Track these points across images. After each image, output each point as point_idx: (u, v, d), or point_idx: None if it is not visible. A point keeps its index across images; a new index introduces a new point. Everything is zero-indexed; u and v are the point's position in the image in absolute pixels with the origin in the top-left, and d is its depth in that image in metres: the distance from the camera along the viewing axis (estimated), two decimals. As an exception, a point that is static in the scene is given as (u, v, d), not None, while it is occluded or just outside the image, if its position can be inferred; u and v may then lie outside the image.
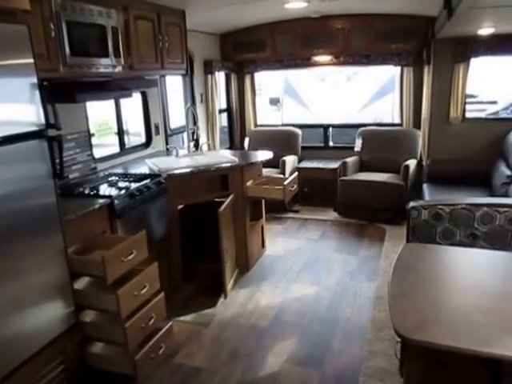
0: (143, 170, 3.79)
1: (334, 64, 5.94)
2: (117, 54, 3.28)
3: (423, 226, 2.93)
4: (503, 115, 8.35)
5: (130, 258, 2.67)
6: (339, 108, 8.72)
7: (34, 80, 2.25)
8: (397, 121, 8.04)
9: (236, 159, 4.01)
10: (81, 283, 2.72)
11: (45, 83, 2.28)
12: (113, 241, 2.81)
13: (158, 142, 4.70)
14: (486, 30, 4.20)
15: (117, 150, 4.26)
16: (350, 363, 2.94)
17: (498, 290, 1.98)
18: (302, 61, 5.95)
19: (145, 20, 3.63)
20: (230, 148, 6.29)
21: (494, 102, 8.06)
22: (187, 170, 3.71)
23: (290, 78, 9.20)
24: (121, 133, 4.28)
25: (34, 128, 2.28)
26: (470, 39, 4.68)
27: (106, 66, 3.19)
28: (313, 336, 3.26)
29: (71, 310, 2.58)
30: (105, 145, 4.46)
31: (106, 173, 3.65)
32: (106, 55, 3.18)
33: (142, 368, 2.67)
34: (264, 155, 4.23)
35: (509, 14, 3.23)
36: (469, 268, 2.25)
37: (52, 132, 2.38)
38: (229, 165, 3.87)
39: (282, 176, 4.40)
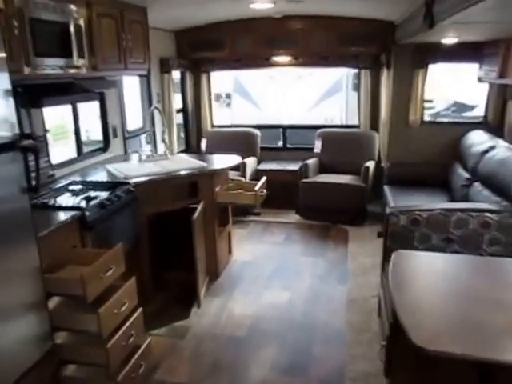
0: (103, 176, 3.60)
1: (293, 65, 5.93)
2: (81, 54, 3.08)
3: (401, 231, 3.00)
4: (442, 113, 8.81)
5: (108, 274, 2.51)
6: (289, 107, 8.77)
7: (7, 85, 2.04)
8: (348, 121, 8.29)
9: (204, 164, 3.90)
10: (51, 304, 2.52)
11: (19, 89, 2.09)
12: (86, 255, 2.64)
13: (116, 145, 4.47)
14: (450, 40, 4.35)
15: (74, 154, 4.01)
16: (333, 368, 2.95)
17: (494, 297, 2.04)
18: (262, 61, 5.90)
19: (108, 18, 3.46)
20: (186, 150, 6.12)
21: (430, 101, 8.43)
22: (156, 176, 3.56)
23: (240, 77, 9.12)
24: (78, 137, 4.03)
25: (7, 140, 2.07)
26: (428, 46, 4.82)
27: (70, 66, 2.98)
28: (292, 343, 3.23)
29: (47, 333, 2.39)
30: (61, 150, 4.19)
31: (67, 181, 3.41)
32: (70, 55, 2.98)
33: (125, 389, 2.52)
34: (233, 160, 4.13)
35: (482, 28, 3.40)
36: (467, 275, 2.33)
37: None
38: (199, 171, 3.76)
39: (252, 181, 4.33)
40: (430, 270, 2.45)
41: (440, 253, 2.84)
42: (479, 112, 7.60)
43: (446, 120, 7.90)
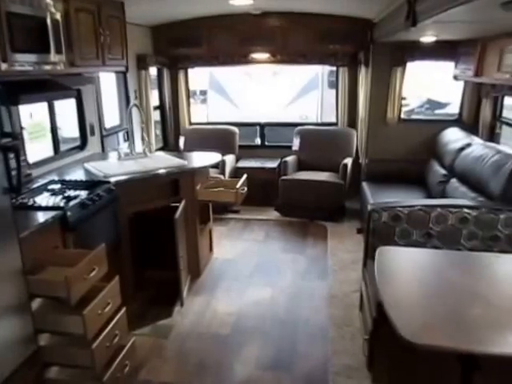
0: (82, 175, 3.54)
1: (271, 62, 5.93)
2: (59, 50, 2.98)
3: (383, 228, 3.06)
4: (416, 110, 8.98)
5: (92, 275, 2.48)
6: (265, 104, 8.77)
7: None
8: (324, 119, 8.36)
9: (184, 162, 3.87)
10: (33, 306, 2.47)
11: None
12: (68, 256, 2.60)
13: (94, 143, 4.39)
14: (429, 38, 4.41)
15: (51, 153, 3.92)
16: (317, 363, 2.99)
17: (478, 290, 2.12)
18: (240, 58, 5.87)
19: (85, 12, 3.38)
20: (164, 148, 6.06)
21: (404, 98, 8.58)
22: (136, 175, 3.52)
23: (216, 73, 9.06)
24: (55, 135, 3.94)
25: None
26: (406, 44, 4.88)
27: (48, 62, 2.89)
28: (276, 340, 3.26)
29: (31, 335, 2.35)
30: (37, 148, 4.10)
31: (46, 180, 3.34)
32: (48, 51, 2.88)
33: (110, 390, 2.50)
34: (213, 158, 4.12)
35: (461, 27, 3.47)
36: (449, 270, 2.38)
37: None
38: (180, 169, 3.73)
39: (232, 179, 4.34)
40: (412, 265, 2.51)
41: (421, 248, 2.90)
42: (452, 109, 7.78)
43: (419, 117, 8.04)
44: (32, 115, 4.33)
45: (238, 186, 3.89)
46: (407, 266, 2.50)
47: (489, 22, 3.05)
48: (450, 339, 1.76)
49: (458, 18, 2.69)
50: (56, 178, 3.39)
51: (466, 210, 2.97)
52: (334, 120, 6.34)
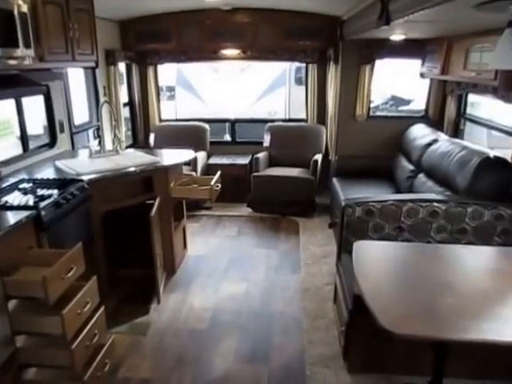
0: (52, 173, 3.48)
1: (241, 58, 5.96)
2: (27, 44, 2.91)
3: (357, 222, 3.15)
4: (381, 107, 9.18)
5: (69, 274, 2.47)
6: (234, 100, 8.79)
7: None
8: (291, 115, 8.45)
9: (157, 159, 3.87)
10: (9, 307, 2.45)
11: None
12: (43, 256, 2.57)
13: (63, 141, 4.32)
14: (399, 36, 4.50)
15: (19, 151, 3.84)
16: (294, 354, 3.07)
17: (450, 281, 2.22)
18: (209, 54, 5.87)
19: (53, 5, 3.28)
20: (134, 145, 6.01)
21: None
22: (109, 173, 3.49)
23: (183, 69, 9.01)
24: (23, 132, 3.86)
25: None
26: (375, 42, 4.98)
27: (15, 57, 2.82)
28: (252, 333, 3.33)
29: (8, 337, 2.32)
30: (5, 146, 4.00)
31: (16, 179, 3.27)
32: (17, 45, 2.81)
33: (90, 389, 2.50)
34: (186, 155, 4.13)
35: (431, 27, 3.59)
36: (422, 262, 2.48)
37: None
38: (153, 166, 3.73)
39: (205, 176, 4.36)
40: (388, 258, 2.60)
41: (392, 241, 3.01)
42: (415, 106, 7.99)
43: (386, 114, 8.23)
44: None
45: (212, 183, 3.92)
46: (383, 259, 2.59)
47: (459, 22, 3.15)
48: (426, 328, 1.84)
49: (431, 17, 2.77)
50: (26, 177, 3.33)
51: (435, 204, 3.08)
52: (301, 116, 6.44)
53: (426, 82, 5.35)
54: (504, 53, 2.16)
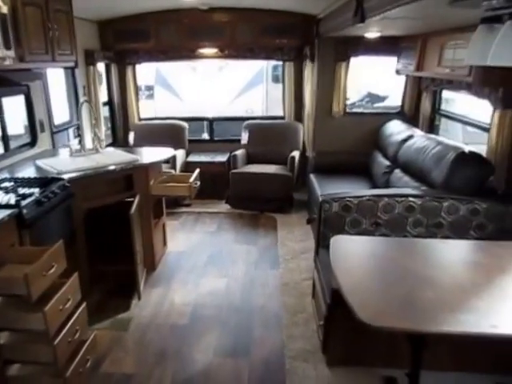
0: (33, 172, 3.50)
1: (219, 57, 6.02)
2: (7, 45, 2.93)
3: (334, 218, 3.21)
4: (357, 104, 9.34)
5: (51, 271, 2.49)
6: (212, 98, 8.84)
7: None
8: (269, 112, 8.55)
9: (137, 157, 3.90)
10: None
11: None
12: (25, 254, 2.59)
13: (44, 140, 4.32)
14: (374, 34, 4.60)
15: (0, 151, 3.84)
16: (274, 349, 3.13)
17: (428, 275, 2.28)
18: (188, 53, 5.91)
19: (33, 6, 3.30)
20: (113, 144, 6.00)
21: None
22: (90, 171, 3.52)
23: (162, 68, 9.03)
24: (4, 132, 3.85)
25: None
26: (351, 40, 5.07)
27: (-3, 58, 2.85)
28: (233, 327, 3.38)
29: (-9, 334, 2.34)
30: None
31: (-3, 179, 3.27)
32: (-4, 46, 2.84)
33: (73, 385, 2.53)
34: (166, 153, 4.18)
35: (406, 24, 3.65)
36: (399, 256, 2.53)
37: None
38: (133, 165, 3.76)
39: (184, 173, 4.41)
40: (366, 253, 2.65)
41: (370, 236, 3.07)
42: (390, 102, 8.14)
43: (362, 110, 8.36)
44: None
45: (191, 180, 3.96)
46: (360, 253, 2.64)
47: (434, 19, 3.22)
48: (405, 321, 1.89)
49: (407, 14, 2.82)
50: (7, 176, 3.33)
51: (411, 199, 3.14)
52: (278, 113, 6.52)
53: (402, 79, 5.45)
54: (478, 49, 2.19)
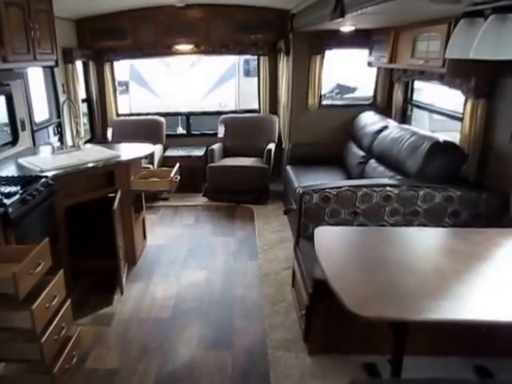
0: (14, 170, 3.48)
1: (195, 53, 6.06)
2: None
3: (314, 209, 3.29)
4: (327, 95, 9.44)
5: (38, 269, 2.51)
6: (185, 94, 8.88)
7: None
8: (241, 106, 8.63)
9: (118, 154, 3.92)
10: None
11: None
12: (10, 252, 2.58)
13: (25, 138, 4.31)
14: (348, 28, 4.63)
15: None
16: (256, 339, 3.20)
17: (409, 263, 2.37)
18: (164, 49, 5.95)
19: (15, 6, 3.31)
20: (92, 140, 5.96)
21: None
22: (72, 168, 3.53)
23: (136, 64, 9.01)
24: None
25: None
26: (324, 33, 5.14)
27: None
28: (215, 319, 3.45)
29: (-23, 335, 2.34)
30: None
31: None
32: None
33: (59, 381, 2.55)
34: (146, 149, 4.21)
35: (380, 18, 3.74)
36: (381, 245, 2.58)
37: None
38: (115, 161, 3.78)
39: (164, 168, 4.44)
40: (349, 242, 2.71)
41: (348, 226, 3.18)
42: (360, 93, 8.26)
43: (335, 102, 8.47)
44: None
45: (171, 175, 4.00)
46: (344, 243, 2.70)
47: (411, 13, 3.29)
48: (391, 310, 1.96)
49: (385, 10, 2.87)
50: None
51: (388, 189, 3.23)
52: (251, 107, 6.61)
53: (372, 70, 5.54)
54: (459, 42, 2.25)
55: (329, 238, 2.67)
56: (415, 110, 5.03)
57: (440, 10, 2.82)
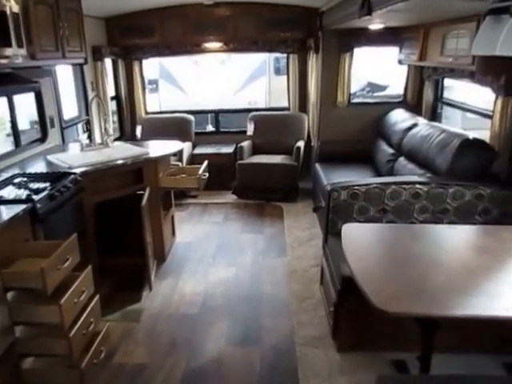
0: (44, 167, 3.54)
1: (223, 51, 6.08)
2: (19, 43, 2.96)
3: (342, 205, 3.26)
4: (358, 94, 9.31)
5: (65, 265, 2.54)
6: (215, 92, 8.90)
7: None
8: (271, 104, 8.60)
9: (147, 151, 3.95)
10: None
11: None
12: (39, 248, 2.63)
13: (54, 135, 4.38)
14: (377, 25, 4.63)
15: (11, 147, 3.90)
16: (284, 336, 3.17)
17: (438, 259, 2.33)
18: (192, 47, 5.97)
19: (44, 5, 3.35)
20: (121, 137, 6.04)
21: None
22: (101, 165, 3.56)
23: (165, 62, 9.09)
24: (15, 128, 3.91)
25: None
26: (354, 31, 5.09)
27: (8, 56, 2.86)
28: (243, 316, 3.43)
29: (8, 328, 2.39)
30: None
31: (9, 174, 3.28)
32: (9, 44, 2.85)
33: (87, 376, 2.57)
34: (175, 146, 4.22)
35: (409, 16, 3.70)
36: (409, 241, 2.56)
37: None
38: (143, 158, 3.80)
39: (192, 166, 4.45)
40: (376, 239, 2.69)
41: (377, 223, 3.12)
42: (391, 91, 8.10)
43: (364, 100, 8.33)
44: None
45: (200, 172, 4.00)
46: (372, 240, 2.68)
47: (440, 10, 3.23)
48: (418, 306, 1.93)
49: (412, 6, 2.83)
50: (19, 172, 3.37)
51: (418, 186, 3.19)
52: (281, 105, 6.56)
53: (403, 68, 5.46)
54: (485, 39, 2.21)
55: (356, 235, 2.64)
56: (447, 108, 4.94)
57: (466, 6, 2.77)
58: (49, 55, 3.46)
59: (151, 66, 8.91)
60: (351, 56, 5.42)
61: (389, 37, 5.10)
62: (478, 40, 2.31)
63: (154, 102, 8.30)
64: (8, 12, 2.81)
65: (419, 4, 2.76)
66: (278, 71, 9.13)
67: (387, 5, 2.75)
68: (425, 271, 2.19)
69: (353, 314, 2.83)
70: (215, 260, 4.29)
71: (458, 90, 5.31)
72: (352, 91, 8.47)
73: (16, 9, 2.91)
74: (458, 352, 2.76)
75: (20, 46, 2.95)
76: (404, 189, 3.19)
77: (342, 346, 2.95)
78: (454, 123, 5.63)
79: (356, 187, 3.23)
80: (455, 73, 3.95)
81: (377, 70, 8.53)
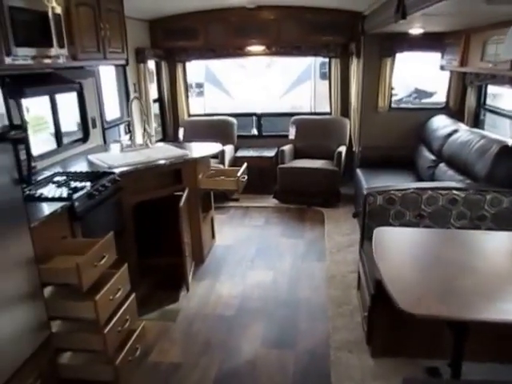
0: (85, 167, 3.63)
1: (266, 54, 6.07)
2: (61, 44, 3.03)
3: (378, 210, 3.22)
4: (405, 100, 9.09)
5: (102, 262, 2.59)
6: (260, 95, 8.91)
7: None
8: (317, 109, 8.52)
9: (186, 152, 3.99)
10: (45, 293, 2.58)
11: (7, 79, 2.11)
12: (76, 245, 2.69)
13: (96, 136, 4.51)
14: (417, 30, 4.56)
15: (54, 146, 4.00)
16: (319, 340, 3.13)
17: (467, 264, 2.26)
18: (235, 50, 6.02)
19: (85, 6, 3.44)
20: (163, 139, 6.17)
21: (392, 88, 8.74)
22: (140, 165, 3.62)
23: (211, 65, 9.19)
24: (57, 128, 4.03)
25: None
26: (395, 36, 5.03)
27: (50, 56, 2.94)
28: (279, 319, 3.40)
29: (44, 322, 2.45)
30: (40, 141, 4.18)
31: (50, 172, 3.40)
32: (51, 45, 2.94)
33: (122, 372, 2.61)
34: (214, 148, 4.25)
35: (446, 20, 3.63)
36: (440, 246, 2.53)
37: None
38: (182, 159, 3.84)
39: (232, 168, 4.47)
40: (407, 244, 2.64)
41: (414, 228, 3.05)
42: (438, 98, 7.88)
43: (407, 106, 8.15)
44: (29, 109, 4.43)
45: (238, 174, 4.01)
46: (402, 244, 2.64)
47: (473, 15, 3.18)
48: (446, 309, 1.88)
49: (445, 10, 2.81)
50: (60, 170, 3.48)
51: (455, 192, 3.13)
52: (326, 110, 6.48)
53: (447, 74, 5.35)
54: None
55: (387, 239, 2.61)
56: (495, 117, 4.79)
57: (500, 11, 2.69)
58: (90, 56, 3.53)
59: (198, 70, 9.05)
60: (393, 61, 5.34)
61: (430, 42, 5.01)
62: (508, 44, 2.23)
63: (199, 106, 8.43)
64: (50, 13, 2.89)
65: (449, 8, 2.71)
66: (323, 76, 9.03)
67: (420, 8, 2.71)
68: (454, 275, 2.14)
69: (387, 318, 2.76)
70: (254, 263, 4.27)
71: (508, 97, 5.11)
72: (399, 97, 8.34)
73: (58, 10, 2.99)
74: (491, 361, 2.68)
75: (61, 46, 3.02)
76: (441, 194, 3.14)
77: (376, 352, 2.89)
78: (502, 131, 5.41)
79: (392, 192, 3.19)
80: (496, 79, 3.87)
81: (423, 76, 8.34)
